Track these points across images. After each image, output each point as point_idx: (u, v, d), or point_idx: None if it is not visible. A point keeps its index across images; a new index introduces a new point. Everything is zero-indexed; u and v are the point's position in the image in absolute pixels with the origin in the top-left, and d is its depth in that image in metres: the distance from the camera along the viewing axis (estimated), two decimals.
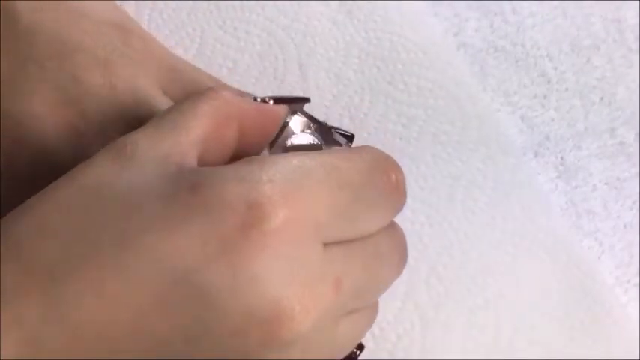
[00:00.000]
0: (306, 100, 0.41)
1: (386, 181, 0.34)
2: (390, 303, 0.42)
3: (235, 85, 0.48)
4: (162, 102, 0.43)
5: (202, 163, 0.33)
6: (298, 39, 0.49)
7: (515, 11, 0.53)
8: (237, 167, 0.31)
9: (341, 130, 0.45)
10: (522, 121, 0.50)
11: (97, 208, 0.30)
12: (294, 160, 0.32)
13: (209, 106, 0.34)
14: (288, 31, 0.50)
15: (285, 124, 0.38)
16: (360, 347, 0.38)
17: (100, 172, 0.31)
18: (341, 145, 0.38)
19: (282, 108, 0.38)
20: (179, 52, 0.49)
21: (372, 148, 0.35)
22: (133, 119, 0.42)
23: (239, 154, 0.35)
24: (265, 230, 0.29)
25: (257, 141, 0.36)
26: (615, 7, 0.53)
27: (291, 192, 0.30)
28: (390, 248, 0.36)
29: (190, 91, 0.45)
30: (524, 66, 0.51)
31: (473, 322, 0.42)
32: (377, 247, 0.34)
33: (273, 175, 0.30)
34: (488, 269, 0.43)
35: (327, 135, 0.38)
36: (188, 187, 0.30)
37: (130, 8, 0.50)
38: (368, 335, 0.41)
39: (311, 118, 0.38)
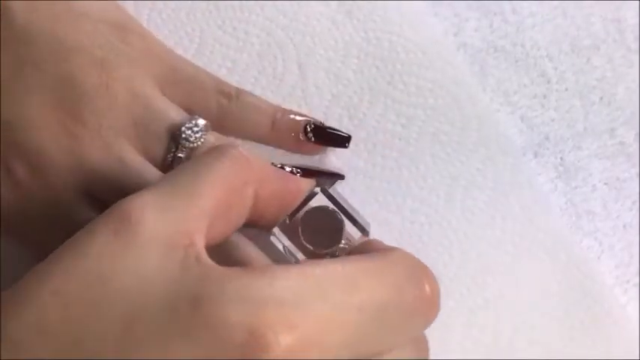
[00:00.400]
0: (340, 176, 0.41)
1: (418, 295, 0.31)
2: None
3: (235, 85, 0.48)
4: (160, 102, 0.43)
5: (211, 231, 0.31)
6: (297, 39, 0.49)
7: (515, 11, 0.53)
8: (245, 281, 0.28)
9: (338, 130, 0.45)
10: (522, 121, 0.50)
11: (100, 307, 0.28)
12: (310, 273, 0.29)
13: (227, 170, 0.32)
14: (288, 31, 0.50)
15: (311, 196, 0.36)
16: None
17: (102, 251, 0.29)
18: (362, 227, 0.36)
19: (307, 182, 0.37)
20: (178, 51, 0.48)
21: (404, 254, 0.33)
22: (130, 121, 0.42)
23: (253, 221, 0.34)
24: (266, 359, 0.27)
25: (273, 211, 0.35)
26: (615, 7, 0.53)
27: (300, 317, 0.28)
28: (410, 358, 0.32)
29: (190, 90, 0.45)
30: (524, 66, 0.51)
31: (473, 322, 0.42)
32: None
33: (281, 294, 0.28)
34: (487, 269, 0.43)
35: (352, 211, 0.36)
36: (190, 299, 0.28)
37: (129, 8, 0.50)
38: None
39: (333, 200, 0.36)
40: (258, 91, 0.48)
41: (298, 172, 0.37)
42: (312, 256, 0.35)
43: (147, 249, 0.29)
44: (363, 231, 0.35)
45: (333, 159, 0.46)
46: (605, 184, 0.48)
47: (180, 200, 0.30)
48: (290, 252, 0.35)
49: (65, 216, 0.40)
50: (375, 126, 0.47)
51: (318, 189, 0.35)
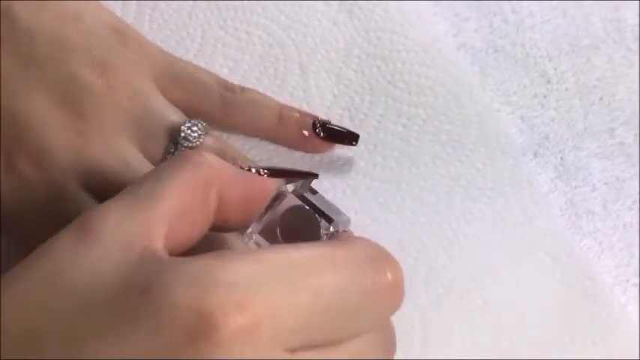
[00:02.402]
0: (313, 176, 0.40)
1: (377, 281, 0.31)
2: None
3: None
4: (160, 103, 0.43)
5: (173, 235, 0.31)
6: (299, 39, 0.49)
7: (515, 11, 0.53)
8: (196, 265, 0.28)
9: (341, 127, 0.46)
10: (522, 121, 0.50)
11: (50, 307, 0.29)
12: (264, 257, 0.29)
13: (188, 174, 0.32)
14: (289, 31, 0.50)
15: (279, 196, 0.35)
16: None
17: (61, 255, 0.30)
18: (333, 221, 0.35)
19: (274, 182, 0.36)
20: (180, 52, 0.49)
21: (365, 241, 0.32)
22: (131, 120, 0.42)
23: (220, 225, 0.34)
24: (215, 341, 0.27)
25: (239, 213, 0.34)
26: (615, 7, 0.53)
27: (251, 298, 0.28)
28: (374, 347, 0.32)
29: (191, 89, 0.45)
30: (524, 66, 0.51)
31: (472, 322, 0.42)
32: (359, 350, 0.31)
33: (233, 277, 0.28)
34: (487, 270, 0.43)
35: (327, 208, 0.35)
36: (140, 288, 0.28)
37: (131, 8, 0.50)
38: None
39: (305, 200, 0.35)
40: (259, 91, 0.48)
41: (265, 173, 0.37)
42: None
43: (104, 249, 0.29)
44: (339, 228, 0.35)
45: (334, 159, 0.46)
46: (605, 183, 0.48)
47: (140, 205, 0.31)
48: None
49: (67, 212, 0.40)
50: (376, 126, 0.47)
51: (289, 188, 0.35)
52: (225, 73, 0.48)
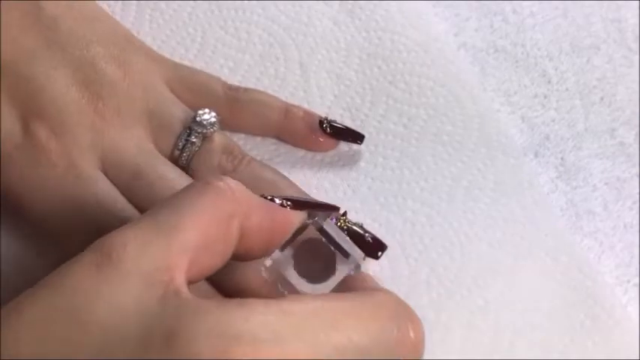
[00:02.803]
0: (335, 209, 0.40)
1: (400, 340, 0.31)
2: None
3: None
4: (172, 99, 0.44)
5: (195, 266, 0.31)
6: (299, 39, 0.49)
7: (516, 11, 0.53)
8: (220, 315, 0.28)
9: (346, 126, 0.45)
10: (523, 122, 0.50)
11: (70, 343, 0.28)
12: (288, 310, 0.29)
13: (211, 203, 0.32)
14: (290, 31, 0.50)
15: (302, 229, 0.35)
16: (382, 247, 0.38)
17: (81, 285, 0.29)
18: (355, 260, 0.35)
19: (298, 215, 0.36)
20: (180, 52, 0.49)
21: (389, 295, 0.32)
22: (145, 110, 0.43)
23: (240, 254, 0.34)
24: None
25: (261, 244, 0.34)
26: (616, 7, 0.53)
27: (275, 354, 0.28)
28: None
29: (198, 91, 0.45)
30: (525, 66, 0.51)
31: (473, 323, 0.42)
32: None
33: (257, 330, 0.28)
34: (488, 270, 0.43)
35: (344, 243, 0.35)
36: (163, 334, 0.28)
37: (131, 8, 0.50)
38: None
39: (324, 233, 0.35)
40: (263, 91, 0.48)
41: (288, 205, 0.36)
42: (305, 288, 0.34)
43: (125, 285, 0.29)
44: (356, 265, 0.35)
45: (335, 160, 0.46)
46: (606, 184, 0.48)
47: (162, 235, 0.30)
48: (283, 284, 0.34)
49: (78, 190, 0.40)
50: (377, 126, 0.47)
51: (310, 221, 0.35)
52: (225, 73, 0.48)
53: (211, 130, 0.43)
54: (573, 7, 0.53)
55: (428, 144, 0.47)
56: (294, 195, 0.41)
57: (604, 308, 0.43)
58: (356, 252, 0.35)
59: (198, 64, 0.48)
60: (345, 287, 0.34)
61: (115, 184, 0.41)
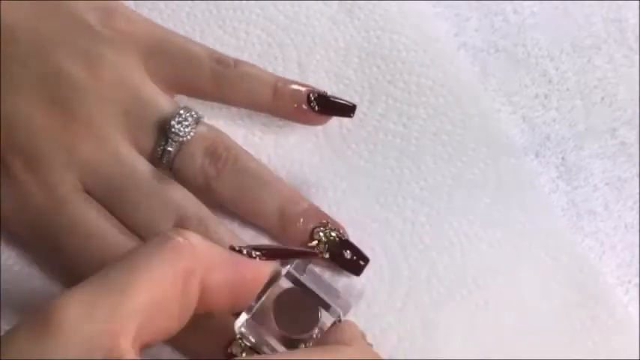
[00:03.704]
0: (312, 255, 0.39)
1: None
2: (390, 304, 0.42)
3: None
4: (150, 91, 0.42)
5: (146, 330, 0.29)
6: (298, 39, 0.49)
7: (516, 11, 0.53)
8: None
9: (337, 99, 0.45)
10: (523, 122, 0.50)
11: None
12: None
13: (167, 260, 0.30)
14: (288, 31, 0.49)
15: (274, 279, 0.33)
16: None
17: (21, 353, 0.28)
18: (331, 307, 0.33)
19: (267, 265, 0.34)
20: None
21: (358, 351, 0.31)
22: (120, 111, 0.41)
23: (204, 312, 0.32)
24: None
25: (225, 301, 0.33)
26: (616, 6, 0.53)
27: None
28: None
29: (180, 65, 0.44)
30: (525, 66, 0.51)
31: (474, 323, 0.42)
32: None
33: None
34: (489, 270, 0.43)
35: (326, 291, 0.34)
36: None
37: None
38: (368, 337, 0.40)
39: (300, 284, 0.33)
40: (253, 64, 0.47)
41: (257, 255, 0.34)
42: (286, 341, 0.33)
43: (63, 350, 0.27)
44: (337, 315, 0.33)
45: (335, 160, 0.46)
46: (607, 184, 0.48)
47: (109, 298, 0.29)
48: (262, 339, 0.33)
49: (64, 218, 0.40)
50: (376, 125, 0.47)
51: (285, 270, 0.33)
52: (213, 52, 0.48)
53: (189, 137, 0.41)
54: (574, 7, 0.53)
55: (428, 143, 0.47)
56: (265, 244, 0.39)
57: (605, 308, 0.43)
58: (339, 299, 0.34)
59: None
60: (332, 338, 0.33)
61: (98, 201, 0.41)
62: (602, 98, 0.51)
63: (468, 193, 0.45)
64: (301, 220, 0.42)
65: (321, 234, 0.41)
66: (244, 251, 0.34)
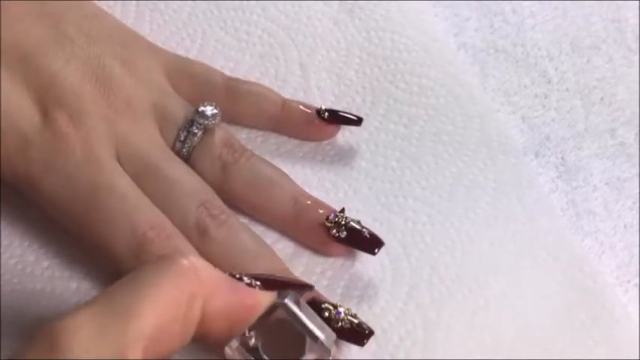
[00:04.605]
0: (307, 287, 0.38)
1: None
2: (391, 304, 0.42)
3: None
4: (174, 94, 0.45)
5: (149, 351, 0.30)
6: (299, 39, 0.49)
7: (516, 11, 0.53)
8: None
9: (350, 113, 0.45)
10: (523, 122, 0.50)
11: None
12: None
13: (172, 284, 0.31)
14: (289, 31, 0.50)
15: (272, 309, 0.33)
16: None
17: None
18: (319, 340, 0.33)
19: (266, 296, 0.34)
20: (180, 52, 0.49)
21: None
22: (151, 102, 0.44)
23: (201, 335, 0.32)
24: None
25: (223, 327, 0.33)
26: (615, 7, 0.53)
27: None
28: None
29: (197, 82, 0.46)
30: (525, 66, 0.51)
31: (474, 322, 0.42)
32: None
33: None
34: (489, 269, 0.43)
35: (314, 323, 0.34)
36: None
37: (130, 8, 0.50)
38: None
39: (293, 315, 0.33)
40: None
41: (257, 285, 0.35)
42: None
43: None
44: (325, 350, 0.33)
45: (336, 160, 0.46)
46: (606, 184, 0.48)
47: (117, 321, 0.29)
48: None
49: (95, 178, 0.41)
50: (378, 126, 0.47)
51: (280, 301, 0.33)
52: (225, 74, 0.48)
53: (212, 121, 0.43)
54: (573, 7, 0.53)
55: (428, 144, 0.47)
56: (264, 274, 0.39)
57: (605, 307, 0.43)
58: (324, 331, 0.34)
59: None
60: None
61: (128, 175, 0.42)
62: (602, 98, 0.51)
63: (469, 192, 0.46)
64: (316, 206, 0.43)
65: (338, 217, 0.42)
66: (245, 279, 0.35)
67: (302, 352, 0.33)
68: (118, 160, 0.42)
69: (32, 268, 0.42)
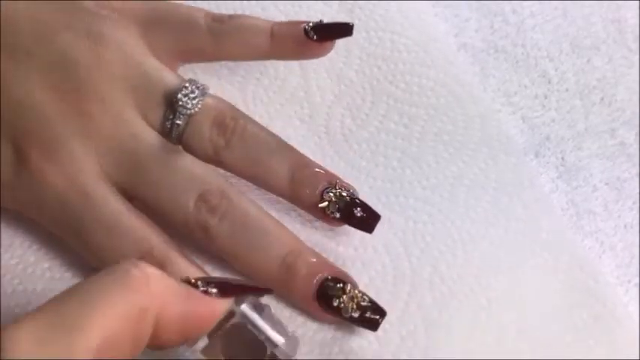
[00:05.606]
0: (266, 291, 0.37)
1: None
2: (393, 304, 0.42)
3: (236, 86, 0.48)
4: (154, 66, 0.42)
5: None
6: None
7: (516, 11, 0.53)
8: None
9: (332, 22, 0.44)
10: (523, 122, 0.50)
11: None
12: None
13: (122, 297, 0.30)
14: None
15: (230, 315, 0.33)
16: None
17: None
18: (278, 346, 0.34)
19: (222, 304, 0.33)
20: None
21: None
22: (129, 87, 0.41)
23: (155, 345, 0.32)
24: None
25: (177, 334, 0.32)
26: (615, 7, 0.53)
27: None
28: None
29: (178, 30, 0.44)
30: (525, 66, 0.51)
31: (476, 322, 0.42)
32: None
33: None
34: (490, 269, 0.43)
35: (275, 328, 0.34)
36: None
37: None
38: (371, 336, 0.41)
39: (251, 321, 0.33)
40: (260, 92, 0.48)
41: (213, 291, 0.33)
42: None
43: None
44: (285, 355, 0.34)
45: (336, 160, 0.46)
46: (606, 184, 0.48)
47: (63, 333, 0.28)
48: None
49: (85, 208, 0.40)
50: (378, 126, 0.47)
51: (240, 307, 0.33)
52: (225, 74, 0.48)
53: (195, 109, 0.41)
54: (573, 7, 0.53)
55: (429, 144, 0.47)
56: (221, 278, 0.38)
57: (606, 307, 0.43)
58: (287, 337, 0.34)
59: (198, 66, 0.48)
60: None
61: (119, 183, 0.41)
62: (602, 98, 0.51)
63: (470, 192, 0.46)
64: (311, 182, 0.42)
65: (331, 194, 0.41)
66: (200, 286, 0.33)
67: (263, 356, 0.33)
68: (106, 170, 0.41)
69: (33, 269, 0.42)
